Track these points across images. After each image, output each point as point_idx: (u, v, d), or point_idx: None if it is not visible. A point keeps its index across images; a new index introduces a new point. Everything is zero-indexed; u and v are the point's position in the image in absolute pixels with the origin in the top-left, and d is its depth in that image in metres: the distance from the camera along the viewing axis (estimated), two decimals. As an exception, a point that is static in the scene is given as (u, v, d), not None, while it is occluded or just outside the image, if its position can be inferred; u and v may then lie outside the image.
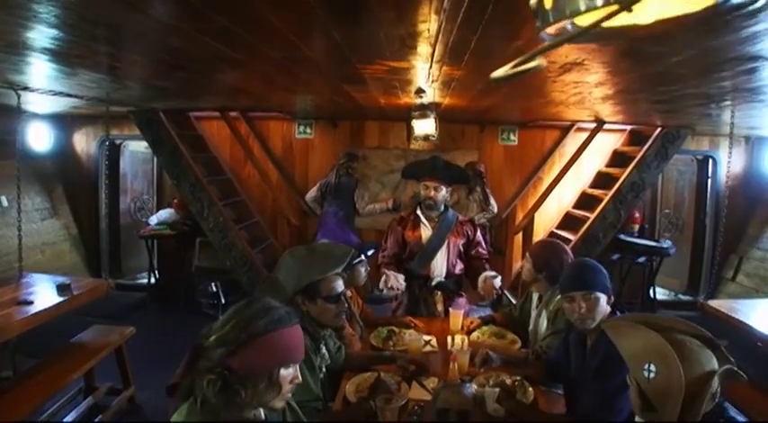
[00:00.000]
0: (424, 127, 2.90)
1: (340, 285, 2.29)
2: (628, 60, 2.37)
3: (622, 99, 3.67)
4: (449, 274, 3.53)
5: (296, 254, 2.32)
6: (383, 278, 3.41)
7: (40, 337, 4.15)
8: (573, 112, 4.77)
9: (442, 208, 3.57)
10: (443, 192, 3.50)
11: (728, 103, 3.49)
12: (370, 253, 3.18)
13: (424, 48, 2.31)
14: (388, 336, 3.01)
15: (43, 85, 3.70)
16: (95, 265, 6.43)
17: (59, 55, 2.55)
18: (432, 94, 3.52)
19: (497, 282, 3.33)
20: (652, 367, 1.45)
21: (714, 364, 1.45)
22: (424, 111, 2.88)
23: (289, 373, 1.48)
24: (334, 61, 2.76)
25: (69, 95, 4.08)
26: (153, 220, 5.96)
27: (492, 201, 5.67)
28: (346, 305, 2.37)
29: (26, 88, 3.76)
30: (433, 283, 3.49)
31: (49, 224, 6.05)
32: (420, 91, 2.93)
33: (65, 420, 3.47)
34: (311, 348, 2.19)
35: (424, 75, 2.81)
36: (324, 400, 2.27)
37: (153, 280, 6.24)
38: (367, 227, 5.57)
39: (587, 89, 3.25)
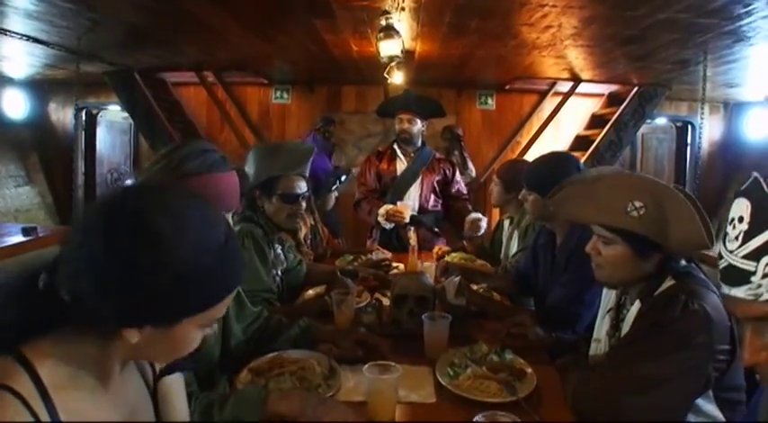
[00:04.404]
0: (390, 48, 2.87)
1: (300, 187, 2.26)
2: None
3: (592, 37, 3.66)
4: (422, 209, 3.53)
5: (260, 149, 2.35)
6: (381, 211, 3.39)
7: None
8: (548, 67, 4.77)
9: (419, 143, 3.59)
10: (418, 125, 3.52)
11: (700, 38, 3.48)
12: (343, 178, 3.30)
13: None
14: (354, 259, 2.97)
15: (7, 23, 3.63)
16: (71, 235, 6.33)
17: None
18: (402, 32, 3.50)
19: (483, 223, 3.29)
20: (636, 203, 1.29)
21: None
22: (389, 31, 2.85)
23: None
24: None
25: (37, 41, 4.01)
26: (128, 184, 5.88)
27: (470, 164, 5.64)
28: (303, 208, 2.33)
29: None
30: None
31: (23, 191, 5.95)
32: (386, 12, 2.90)
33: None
34: (263, 240, 2.14)
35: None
36: (278, 297, 2.21)
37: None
38: (345, 191, 5.50)
39: (556, 19, 3.24)
